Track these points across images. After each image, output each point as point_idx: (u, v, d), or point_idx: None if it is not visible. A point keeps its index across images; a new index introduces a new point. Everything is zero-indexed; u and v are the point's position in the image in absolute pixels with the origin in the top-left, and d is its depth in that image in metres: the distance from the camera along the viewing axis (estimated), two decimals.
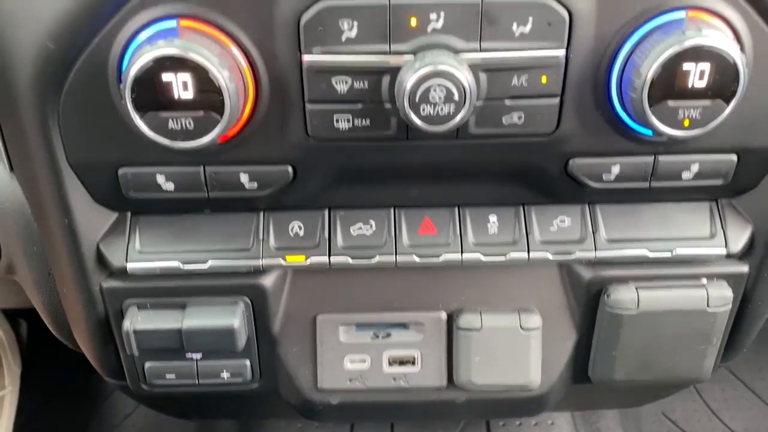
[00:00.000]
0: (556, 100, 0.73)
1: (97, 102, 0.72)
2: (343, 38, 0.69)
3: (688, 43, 0.66)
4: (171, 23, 0.68)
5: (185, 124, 0.68)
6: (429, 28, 0.68)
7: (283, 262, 0.85)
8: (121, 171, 0.78)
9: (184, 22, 0.68)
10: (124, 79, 0.66)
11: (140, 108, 0.67)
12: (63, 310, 0.92)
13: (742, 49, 0.70)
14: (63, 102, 0.73)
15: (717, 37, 0.66)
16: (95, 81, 0.71)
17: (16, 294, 0.98)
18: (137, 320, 0.86)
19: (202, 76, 0.66)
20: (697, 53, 0.66)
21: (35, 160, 0.77)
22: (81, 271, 0.84)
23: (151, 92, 0.66)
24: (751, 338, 0.97)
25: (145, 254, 0.85)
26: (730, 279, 0.88)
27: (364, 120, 0.73)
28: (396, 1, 0.67)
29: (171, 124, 0.68)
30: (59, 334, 0.98)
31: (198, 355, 0.90)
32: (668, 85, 0.68)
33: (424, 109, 0.68)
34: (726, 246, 0.86)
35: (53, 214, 0.81)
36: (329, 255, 0.85)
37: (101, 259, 0.85)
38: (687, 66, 0.67)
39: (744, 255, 0.88)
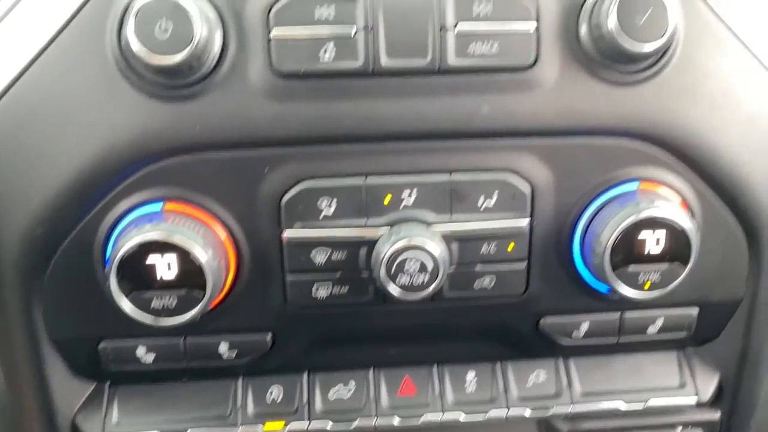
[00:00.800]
0: (524, 265, 0.77)
1: (80, 281, 0.74)
2: (322, 215, 0.73)
3: (643, 214, 0.71)
4: (156, 206, 0.71)
5: (168, 303, 0.70)
6: (402, 205, 0.73)
7: (261, 430, 0.84)
8: (101, 345, 0.78)
9: (170, 205, 0.71)
10: (110, 261, 0.68)
11: (125, 289, 0.69)
12: None
13: (692, 215, 0.76)
14: (47, 281, 0.74)
15: (668, 208, 0.72)
16: (80, 261, 0.73)
17: None
18: None
19: (185, 258, 0.68)
20: (651, 223, 0.71)
21: (14, 337, 0.77)
22: None
23: (135, 274, 0.68)
24: None
25: (123, 426, 0.83)
26: (705, 427, 0.90)
27: (342, 288, 0.76)
28: (371, 182, 0.72)
29: (154, 303, 0.69)
30: None
31: None
32: (628, 251, 0.72)
33: (400, 278, 0.71)
34: (697, 394, 0.89)
35: (29, 390, 0.80)
36: (309, 419, 0.85)
37: None
38: (643, 234, 0.72)
39: (714, 402, 0.90)
